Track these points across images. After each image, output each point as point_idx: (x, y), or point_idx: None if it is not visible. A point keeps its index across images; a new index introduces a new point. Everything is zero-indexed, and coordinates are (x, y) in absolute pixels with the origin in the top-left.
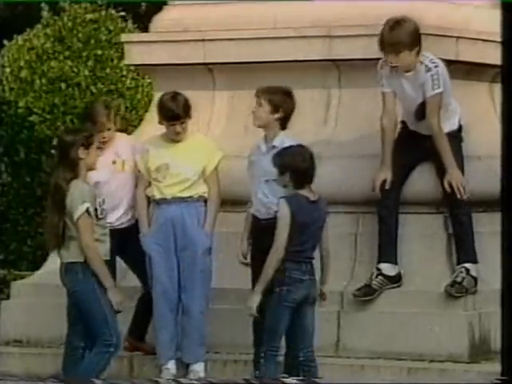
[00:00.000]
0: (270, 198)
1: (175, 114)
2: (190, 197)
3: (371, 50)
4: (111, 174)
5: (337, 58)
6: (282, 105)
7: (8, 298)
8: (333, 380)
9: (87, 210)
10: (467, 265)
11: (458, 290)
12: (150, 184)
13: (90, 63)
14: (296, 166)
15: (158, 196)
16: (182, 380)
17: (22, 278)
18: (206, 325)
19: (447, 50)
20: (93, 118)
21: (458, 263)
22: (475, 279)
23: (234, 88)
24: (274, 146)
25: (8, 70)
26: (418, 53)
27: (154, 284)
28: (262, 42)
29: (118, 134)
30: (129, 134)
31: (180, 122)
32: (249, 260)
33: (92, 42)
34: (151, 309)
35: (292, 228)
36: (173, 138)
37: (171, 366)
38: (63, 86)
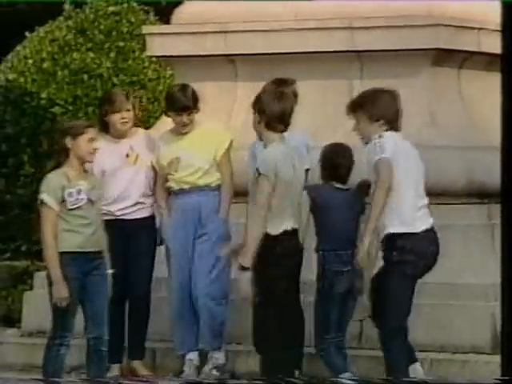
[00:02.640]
0: None
1: (184, 105)
2: (206, 185)
3: (392, 40)
4: (121, 167)
5: (358, 49)
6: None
7: (31, 288)
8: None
9: (42, 202)
10: None
11: None
12: (166, 178)
13: (111, 55)
14: (328, 162)
15: (175, 187)
16: (189, 379)
17: (45, 268)
18: (226, 314)
19: (469, 41)
20: (110, 98)
21: None
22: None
23: (256, 79)
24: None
25: (30, 61)
26: None
27: (171, 274)
28: (283, 34)
29: (135, 128)
30: (150, 125)
31: (187, 113)
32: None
33: (114, 34)
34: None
35: (314, 215)
36: (180, 130)
37: (194, 357)
38: (85, 77)
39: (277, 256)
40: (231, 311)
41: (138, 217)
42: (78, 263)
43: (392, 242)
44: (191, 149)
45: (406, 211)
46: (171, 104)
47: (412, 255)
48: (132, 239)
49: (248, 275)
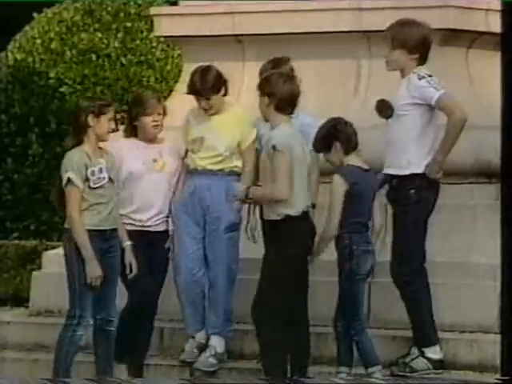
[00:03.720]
0: None
1: (196, 89)
2: (220, 170)
3: None
4: (147, 171)
5: (367, 30)
6: None
7: (39, 268)
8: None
9: (69, 180)
10: (424, 348)
11: (400, 370)
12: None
13: (119, 35)
14: (341, 132)
15: (191, 166)
16: (194, 379)
17: (53, 248)
18: (233, 299)
19: (477, 21)
20: (142, 100)
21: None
22: (431, 359)
23: (264, 59)
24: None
25: (38, 41)
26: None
27: (178, 254)
28: (291, 14)
29: (161, 136)
30: None
31: (204, 98)
32: (255, 237)
33: (121, 14)
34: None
35: (351, 199)
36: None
37: (198, 336)
38: (93, 57)
39: (298, 237)
40: (239, 291)
41: (163, 229)
42: (96, 241)
43: (413, 181)
44: (216, 132)
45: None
46: (188, 87)
47: (431, 192)
48: (153, 252)
49: None
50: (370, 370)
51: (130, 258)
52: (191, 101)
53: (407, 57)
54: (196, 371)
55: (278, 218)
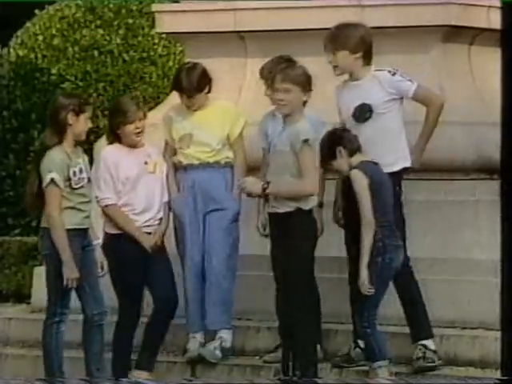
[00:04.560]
0: None
1: (181, 87)
2: (216, 162)
3: (403, 17)
4: (142, 173)
5: (369, 26)
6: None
7: (41, 264)
8: None
9: (52, 180)
10: (424, 342)
11: (420, 366)
12: (175, 152)
13: (121, 31)
14: (341, 137)
15: (185, 162)
16: (195, 380)
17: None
18: (234, 292)
19: (479, 18)
20: (122, 109)
21: (414, 341)
22: (435, 351)
23: (266, 56)
24: None
25: (40, 37)
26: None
27: (184, 251)
28: (292, 11)
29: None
30: (160, 101)
31: (187, 96)
32: (268, 231)
33: (123, 11)
34: (158, 335)
35: (372, 193)
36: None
37: (199, 335)
38: (95, 53)
39: (306, 231)
40: (241, 287)
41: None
42: (78, 240)
43: (399, 177)
44: (204, 127)
45: (406, 145)
46: (173, 83)
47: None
48: (154, 255)
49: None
50: (377, 364)
51: (102, 257)
52: None
53: (351, 57)
54: (198, 356)
55: (289, 210)
